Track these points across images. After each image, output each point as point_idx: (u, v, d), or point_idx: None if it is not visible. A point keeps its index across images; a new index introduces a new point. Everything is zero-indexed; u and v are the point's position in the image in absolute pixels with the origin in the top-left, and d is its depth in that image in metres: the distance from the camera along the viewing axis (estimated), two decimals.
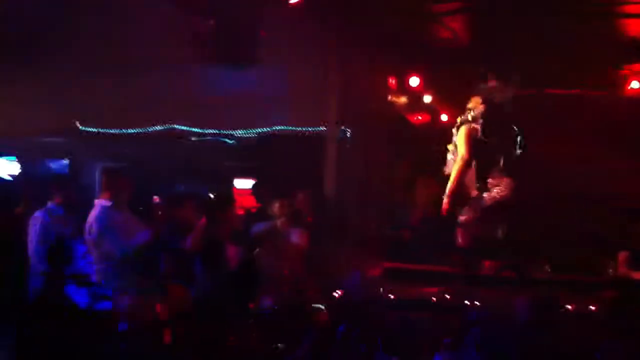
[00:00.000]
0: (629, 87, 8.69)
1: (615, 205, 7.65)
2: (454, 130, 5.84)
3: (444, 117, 9.42)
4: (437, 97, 9.07)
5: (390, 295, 5.52)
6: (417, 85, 8.62)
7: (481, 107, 5.78)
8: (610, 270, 6.50)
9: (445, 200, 5.67)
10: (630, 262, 6.42)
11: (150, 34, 7.40)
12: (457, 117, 5.88)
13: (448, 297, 5.44)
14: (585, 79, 8.32)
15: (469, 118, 5.73)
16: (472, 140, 5.61)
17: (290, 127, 8.58)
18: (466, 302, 5.22)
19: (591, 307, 5.21)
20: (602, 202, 7.77)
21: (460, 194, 5.63)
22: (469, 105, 5.88)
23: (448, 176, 5.82)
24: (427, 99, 8.97)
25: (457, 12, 8.07)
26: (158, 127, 8.68)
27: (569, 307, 5.15)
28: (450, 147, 5.85)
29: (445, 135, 8.75)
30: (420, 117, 9.34)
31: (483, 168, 5.81)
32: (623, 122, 8.22)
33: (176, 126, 8.75)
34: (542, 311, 4.48)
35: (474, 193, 5.83)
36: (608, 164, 7.91)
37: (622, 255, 6.47)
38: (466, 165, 5.60)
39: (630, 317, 4.75)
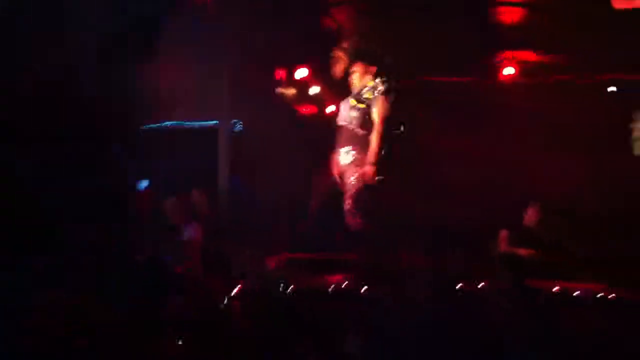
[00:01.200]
0: (503, 74, 9.13)
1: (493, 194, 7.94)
2: (365, 90, 5.80)
3: (331, 108, 9.56)
4: (324, 88, 9.18)
5: (292, 285, 5.53)
6: (305, 77, 8.70)
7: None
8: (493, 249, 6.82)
9: (370, 168, 5.64)
10: (512, 239, 6.77)
11: None
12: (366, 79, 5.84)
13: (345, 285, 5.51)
14: (460, 67, 8.62)
15: (382, 87, 5.72)
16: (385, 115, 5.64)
17: (182, 123, 8.41)
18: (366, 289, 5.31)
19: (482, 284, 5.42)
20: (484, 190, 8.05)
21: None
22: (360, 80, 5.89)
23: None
24: (314, 90, 9.06)
25: (344, 3, 8.21)
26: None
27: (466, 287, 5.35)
28: (355, 103, 5.80)
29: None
30: (307, 109, 9.40)
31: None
32: (497, 108, 8.59)
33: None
34: (444, 293, 4.63)
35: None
36: (488, 152, 8.25)
37: (503, 234, 6.82)
38: (385, 126, 5.64)
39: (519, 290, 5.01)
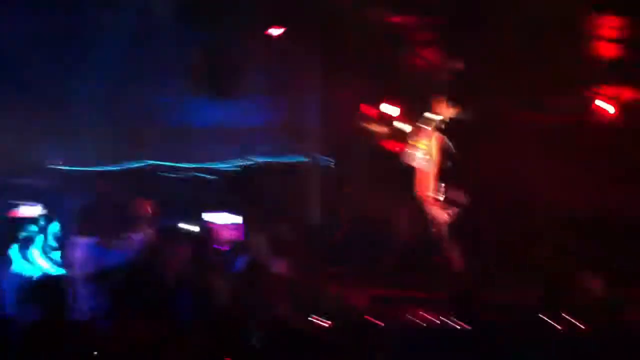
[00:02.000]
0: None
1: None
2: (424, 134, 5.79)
3: None
4: (411, 124, 9.15)
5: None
6: (391, 112, 8.69)
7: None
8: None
9: (428, 199, 5.64)
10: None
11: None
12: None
13: None
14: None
15: (441, 125, 5.72)
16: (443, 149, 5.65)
17: (272, 159, 8.55)
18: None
19: None
20: None
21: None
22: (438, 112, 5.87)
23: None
24: (405, 127, 9.03)
25: (433, 42, 8.24)
26: (135, 164, 8.56)
27: None
28: (419, 143, 5.82)
29: None
30: (395, 144, 9.38)
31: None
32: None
33: (153, 162, 8.63)
34: None
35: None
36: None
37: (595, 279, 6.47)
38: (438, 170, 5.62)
39: None
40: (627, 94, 8.41)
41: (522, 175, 7.81)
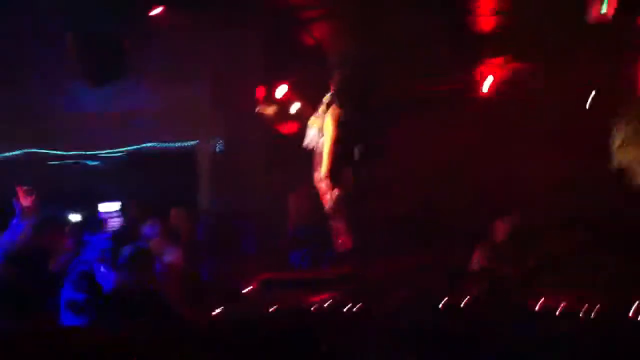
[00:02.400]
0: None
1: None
2: (320, 108, 5.73)
3: None
4: (304, 105, 9.18)
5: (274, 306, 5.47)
6: (285, 95, 8.69)
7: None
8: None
9: (324, 182, 5.57)
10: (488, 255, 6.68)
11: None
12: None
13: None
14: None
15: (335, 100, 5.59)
16: (339, 122, 5.52)
17: (160, 144, 8.37)
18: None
19: None
20: None
21: (335, 173, 5.53)
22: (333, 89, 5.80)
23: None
24: (295, 107, 9.06)
25: (321, 19, 8.24)
26: (15, 152, 8.18)
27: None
28: (313, 122, 5.73)
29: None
30: (288, 126, 9.38)
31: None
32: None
33: (34, 150, 8.28)
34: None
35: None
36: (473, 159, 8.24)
37: (477, 250, 6.72)
38: (335, 145, 5.51)
39: None
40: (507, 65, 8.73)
41: (418, 146, 8.03)
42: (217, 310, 5.45)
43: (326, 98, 5.71)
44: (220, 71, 7.12)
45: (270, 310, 5.39)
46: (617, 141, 6.89)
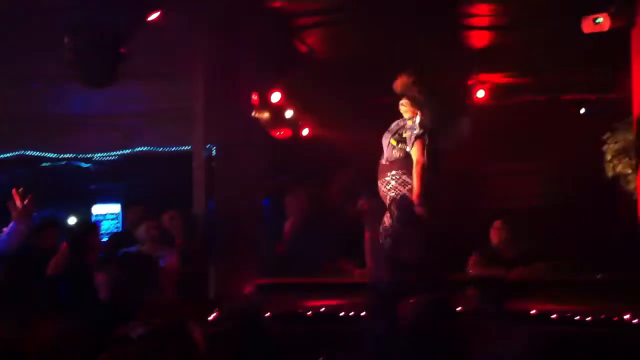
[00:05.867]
0: (475, 96, 9.27)
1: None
2: (406, 132, 5.82)
3: (305, 131, 9.59)
4: (298, 111, 9.22)
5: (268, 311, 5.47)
6: (279, 101, 8.72)
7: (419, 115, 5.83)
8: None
9: (419, 206, 5.66)
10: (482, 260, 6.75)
11: None
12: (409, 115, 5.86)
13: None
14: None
15: (418, 130, 5.74)
16: (429, 151, 5.69)
17: (155, 148, 8.34)
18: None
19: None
20: None
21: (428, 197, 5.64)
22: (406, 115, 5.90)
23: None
24: (289, 113, 9.09)
25: (313, 26, 8.28)
26: (8, 154, 8.11)
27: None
28: (393, 141, 5.84)
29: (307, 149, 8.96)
30: (282, 132, 9.41)
31: None
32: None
33: (27, 152, 8.22)
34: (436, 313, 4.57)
35: None
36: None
37: (472, 257, 6.78)
38: (423, 169, 5.65)
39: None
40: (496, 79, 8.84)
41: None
42: (213, 315, 5.45)
43: (411, 124, 5.80)
44: (215, 75, 7.10)
45: (267, 315, 5.39)
46: (608, 154, 7.04)
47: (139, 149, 8.34)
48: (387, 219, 5.82)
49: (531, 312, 5.30)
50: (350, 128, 8.91)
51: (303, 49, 8.67)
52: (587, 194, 7.57)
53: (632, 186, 6.80)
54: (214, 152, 7.19)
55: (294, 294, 5.96)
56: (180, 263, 6.25)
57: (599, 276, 6.38)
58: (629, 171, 6.83)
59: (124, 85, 6.36)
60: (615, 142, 6.91)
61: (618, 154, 6.85)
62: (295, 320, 5.46)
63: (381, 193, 5.86)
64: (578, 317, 5.22)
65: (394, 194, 5.74)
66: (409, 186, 5.67)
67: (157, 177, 7.92)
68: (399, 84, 5.82)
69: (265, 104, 8.47)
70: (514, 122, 8.71)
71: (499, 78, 9.13)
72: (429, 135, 5.65)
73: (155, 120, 7.97)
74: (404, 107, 5.85)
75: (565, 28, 6.95)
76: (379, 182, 5.86)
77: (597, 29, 6.55)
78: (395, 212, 5.71)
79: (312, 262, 6.37)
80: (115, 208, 7.50)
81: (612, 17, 6.49)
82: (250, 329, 5.01)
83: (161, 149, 8.25)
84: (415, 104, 5.76)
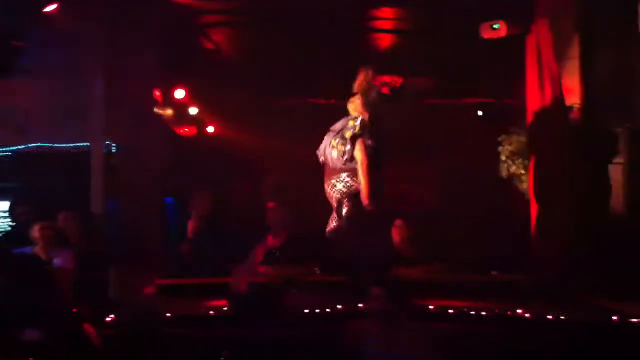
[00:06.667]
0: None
1: None
2: (348, 132, 5.84)
3: (211, 129, 9.47)
4: (203, 108, 9.10)
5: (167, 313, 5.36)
6: (183, 98, 8.58)
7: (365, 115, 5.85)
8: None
9: (366, 201, 5.73)
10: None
11: None
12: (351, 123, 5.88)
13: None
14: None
15: (358, 130, 5.80)
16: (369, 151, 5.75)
17: (51, 144, 8.02)
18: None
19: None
20: None
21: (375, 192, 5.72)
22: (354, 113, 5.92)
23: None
24: (193, 111, 8.97)
25: (217, 25, 8.20)
26: None
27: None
28: (334, 142, 5.87)
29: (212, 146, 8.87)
30: (187, 130, 9.28)
31: None
32: None
33: None
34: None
35: None
36: None
37: None
38: (368, 168, 5.71)
39: None
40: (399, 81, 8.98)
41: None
42: (111, 317, 5.29)
43: (352, 125, 5.84)
44: (115, 70, 6.91)
45: (167, 316, 5.29)
46: (503, 156, 7.33)
47: (34, 145, 8.01)
48: (333, 221, 5.92)
49: (429, 310, 5.42)
50: (255, 127, 8.87)
51: (209, 46, 8.57)
52: (484, 194, 7.83)
53: (525, 186, 7.10)
54: (113, 150, 6.99)
55: (196, 295, 5.87)
56: (76, 264, 6.02)
57: (493, 273, 6.61)
58: (522, 172, 7.14)
59: (18, 79, 6.10)
60: (510, 144, 7.20)
61: (512, 155, 7.16)
62: (196, 321, 5.36)
63: (327, 195, 5.94)
64: (474, 314, 5.38)
65: (339, 196, 5.84)
66: (353, 188, 5.78)
67: (54, 175, 7.61)
68: (358, 82, 5.92)
69: (168, 100, 8.32)
70: (418, 125, 8.89)
71: (401, 81, 9.28)
72: (370, 135, 5.76)
73: (52, 116, 7.66)
74: (353, 105, 5.93)
75: (466, 34, 7.16)
76: (325, 185, 5.95)
77: (495, 35, 6.80)
78: (345, 213, 5.82)
79: (217, 262, 6.28)
80: (5, 206, 7.15)
81: (509, 24, 6.75)
82: (148, 330, 4.92)
83: (58, 145, 7.95)
84: (367, 104, 5.85)
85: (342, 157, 5.86)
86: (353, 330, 4.64)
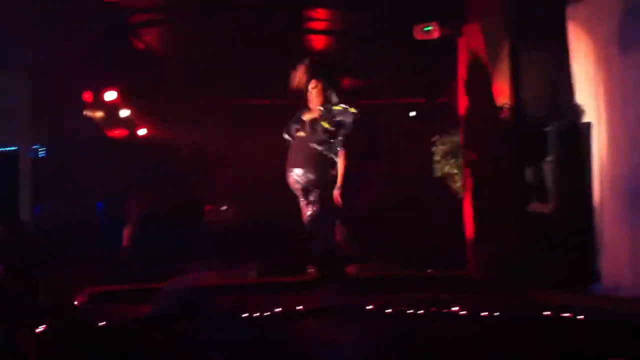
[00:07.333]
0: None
1: None
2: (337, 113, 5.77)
3: (143, 131, 9.28)
4: (135, 110, 8.91)
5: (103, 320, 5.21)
6: (114, 99, 8.38)
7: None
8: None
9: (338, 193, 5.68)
10: None
11: None
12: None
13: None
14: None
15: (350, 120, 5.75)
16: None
17: None
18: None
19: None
20: None
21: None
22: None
23: None
24: (125, 112, 8.77)
25: (149, 24, 8.05)
26: None
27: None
28: (327, 125, 5.79)
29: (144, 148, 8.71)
30: (118, 132, 9.06)
31: None
32: None
33: None
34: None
35: None
36: None
37: None
38: (347, 158, 5.72)
39: None
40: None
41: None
42: (42, 327, 5.13)
43: (342, 110, 5.77)
44: (42, 70, 6.70)
45: (100, 324, 5.14)
46: (437, 155, 7.46)
47: None
48: (305, 208, 5.85)
49: (367, 308, 5.45)
50: (188, 128, 8.76)
51: (141, 46, 8.40)
52: (420, 194, 7.95)
53: (458, 185, 7.24)
54: (41, 154, 6.79)
55: (132, 301, 5.73)
56: (4, 271, 5.82)
57: (429, 271, 6.72)
58: (455, 171, 7.27)
59: None
60: (443, 144, 7.33)
61: (446, 154, 7.28)
62: (130, 327, 5.23)
63: (291, 183, 5.86)
64: (411, 311, 5.43)
65: (301, 186, 5.80)
66: (313, 178, 5.72)
67: None
68: (297, 78, 5.87)
69: (99, 102, 8.12)
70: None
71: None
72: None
73: None
74: (317, 89, 5.86)
75: (399, 35, 7.25)
76: (288, 173, 5.84)
77: (427, 37, 6.90)
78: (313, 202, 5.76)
79: (153, 267, 6.16)
80: None
81: (441, 26, 6.87)
82: (80, 339, 4.78)
83: None
84: (327, 87, 5.81)
85: (324, 134, 5.77)
86: (294, 330, 4.62)
